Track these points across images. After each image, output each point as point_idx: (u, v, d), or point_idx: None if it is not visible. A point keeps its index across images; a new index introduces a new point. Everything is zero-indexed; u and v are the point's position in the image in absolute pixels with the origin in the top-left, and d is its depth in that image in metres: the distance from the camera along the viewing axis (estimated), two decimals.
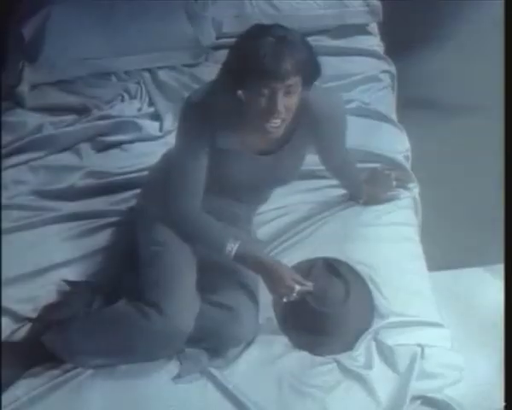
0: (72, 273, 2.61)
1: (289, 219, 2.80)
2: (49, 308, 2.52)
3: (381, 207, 2.81)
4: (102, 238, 2.73)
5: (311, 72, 2.28)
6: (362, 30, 3.51)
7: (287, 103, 2.24)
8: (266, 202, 2.73)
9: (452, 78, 3.88)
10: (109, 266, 2.65)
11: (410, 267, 2.64)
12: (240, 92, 2.29)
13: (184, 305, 2.39)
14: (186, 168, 2.44)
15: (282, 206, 2.83)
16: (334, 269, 2.52)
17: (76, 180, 2.91)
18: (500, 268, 2.35)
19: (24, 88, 3.21)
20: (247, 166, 2.48)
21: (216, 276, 2.53)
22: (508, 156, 2.31)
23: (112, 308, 2.45)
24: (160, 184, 2.56)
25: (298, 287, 2.42)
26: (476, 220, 3.34)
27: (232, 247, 2.43)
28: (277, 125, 2.29)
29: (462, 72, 3.85)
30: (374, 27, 3.54)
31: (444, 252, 3.05)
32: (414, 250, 2.71)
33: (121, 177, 2.92)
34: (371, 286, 2.56)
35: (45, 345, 2.39)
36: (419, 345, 2.38)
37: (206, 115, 2.37)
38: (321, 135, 2.49)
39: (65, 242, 2.71)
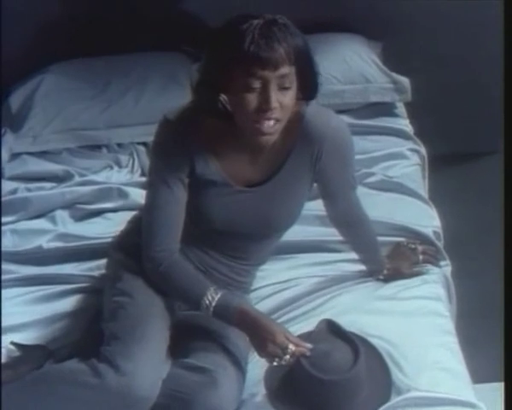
0: (29, 338, 2.24)
1: (292, 294, 2.35)
2: None
3: (404, 282, 2.36)
4: (68, 304, 2.36)
5: (306, 67, 1.91)
6: (388, 111, 3.14)
7: (281, 100, 1.85)
8: (259, 260, 2.27)
9: None
10: (71, 333, 2.26)
11: (437, 342, 2.14)
12: (223, 97, 1.92)
13: (147, 364, 1.92)
14: (157, 201, 2.04)
15: (282, 280, 2.41)
16: (339, 331, 2.02)
17: (44, 242, 2.55)
18: None
19: (4, 156, 2.95)
20: (231, 202, 2.06)
21: (194, 337, 2.08)
22: None
23: (58, 366, 2.01)
24: (133, 230, 2.20)
25: (292, 347, 1.93)
26: None
27: (211, 300, 1.98)
28: (271, 128, 1.88)
29: None
30: (401, 108, 3.17)
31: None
32: (443, 325, 2.22)
33: (97, 241, 2.53)
34: (389, 362, 2.05)
35: None
36: None
37: (183, 135, 1.99)
38: (321, 162, 2.06)
39: (25, 305, 2.37)
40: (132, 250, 2.14)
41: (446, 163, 3.38)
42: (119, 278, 2.12)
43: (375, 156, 2.89)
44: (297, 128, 2.00)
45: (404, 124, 3.10)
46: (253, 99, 1.84)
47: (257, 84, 1.83)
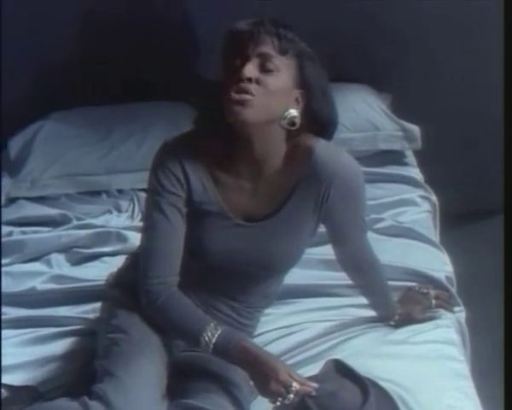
0: (19, 379, 2.12)
1: (299, 338, 2.22)
2: None
3: (415, 326, 2.23)
4: (61, 346, 2.23)
5: (309, 83, 1.87)
6: (397, 159, 3.07)
7: (262, 80, 1.80)
8: (262, 302, 2.14)
9: None
10: (63, 375, 2.14)
11: (452, 386, 2.00)
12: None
13: (141, 401, 1.80)
14: (154, 231, 1.93)
15: (287, 325, 2.28)
16: (347, 371, 1.88)
17: (37, 284, 2.45)
18: None
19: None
20: (229, 235, 1.95)
21: (193, 377, 1.95)
22: None
23: (48, 404, 1.89)
24: (130, 266, 2.10)
25: (296, 385, 1.79)
26: None
27: (210, 336, 1.85)
28: (244, 99, 1.79)
29: None
30: (411, 157, 3.09)
31: None
32: (457, 369, 2.08)
33: (93, 283, 2.42)
34: (401, 406, 1.91)
35: None
36: None
37: (181, 158, 1.92)
38: (329, 202, 1.95)
39: (16, 347, 2.24)
40: (129, 286, 2.02)
41: (458, 212, 3.27)
42: (114, 315, 2.01)
43: (385, 202, 2.80)
44: (306, 162, 1.91)
45: (415, 172, 3.02)
46: (232, 74, 1.80)
47: (238, 62, 1.80)
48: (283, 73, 1.83)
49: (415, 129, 3.04)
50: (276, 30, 1.83)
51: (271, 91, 1.81)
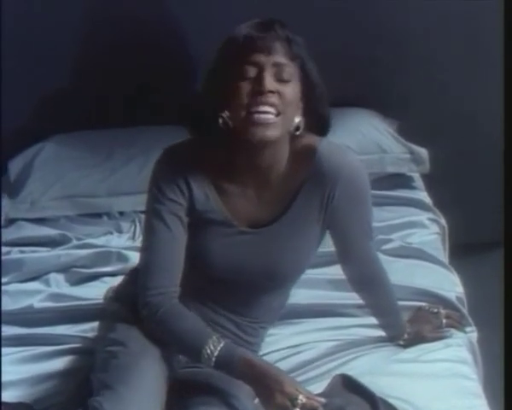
0: (14, 395, 2.05)
1: (306, 357, 2.14)
2: None
3: (425, 345, 2.15)
4: (58, 364, 2.16)
5: (310, 85, 1.83)
6: (405, 183, 3.00)
7: (280, 90, 1.74)
8: (266, 318, 2.05)
9: None
10: (60, 393, 2.06)
11: (464, 405, 1.91)
12: (225, 114, 1.80)
13: None
14: (154, 241, 1.87)
15: (293, 345, 2.20)
16: (356, 386, 1.82)
17: (35, 302, 2.38)
18: None
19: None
20: (232, 244, 1.89)
21: (195, 393, 1.88)
22: None
23: None
24: (130, 281, 2.04)
25: (302, 398, 1.71)
26: None
27: (213, 349, 1.78)
28: (267, 117, 1.74)
29: None
30: (419, 181, 3.03)
31: None
32: (470, 388, 1.99)
33: (92, 302, 2.35)
34: None
35: None
36: None
37: (182, 166, 1.86)
38: (334, 203, 1.88)
39: (12, 364, 2.16)
40: (128, 300, 1.95)
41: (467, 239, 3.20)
42: (112, 329, 1.93)
43: (393, 224, 2.73)
44: (309, 163, 1.85)
45: (423, 196, 2.96)
46: (247, 85, 1.74)
47: (252, 72, 1.74)
48: (295, 81, 1.79)
49: (422, 152, 2.98)
50: (286, 34, 1.78)
51: (289, 102, 1.77)
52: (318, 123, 1.87)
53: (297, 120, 1.82)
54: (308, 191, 1.87)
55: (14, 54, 3.04)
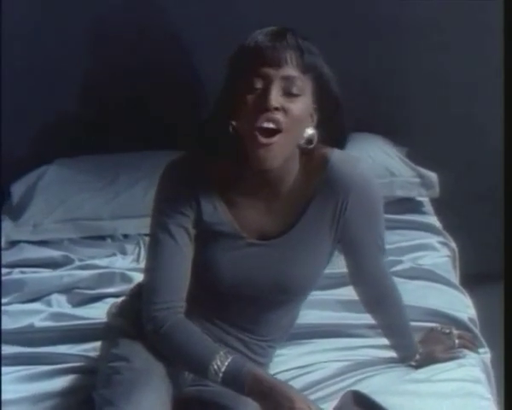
0: None
1: (317, 377, 2.08)
2: None
3: (438, 365, 2.09)
4: (59, 384, 2.10)
5: (327, 97, 1.77)
6: (415, 208, 2.96)
7: (287, 106, 1.68)
8: (274, 336, 1.99)
9: None
10: None
11: None
12: (234, 125, 1.75)
13: None
14: (160, 254, 1.81)
15: (303, 365, 2.14)
16: (368, 403, 1.75)
17: (36, 321, 2.33)
18: None
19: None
20: (241, 257, 1.83)
21: None
22: None
23: None
24: (134, 296, 1.99)
25: None
26: None
27: (220, 365, 1.71)
28: (270, 136, 1.68)
29: None
30: (429, 206, 2.99)
31: None
32: (485, 408, 1.93)
33: (94, 322, 2.29)
34: None
35: None
36: None
37: (189, 176, 1.82)
38: (346, 215, 1.83)
39: (11, 383, 2.10)
40: (132, 316, 1.90)
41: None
42: (115, 345, 1.87)
43: (404, 247, 2.69)
44: (321, 172, 1.80)
45: (433, 220, 2.91)
46: (253, 99, 1.68)
47: (259, 84, 1.68)
48: (306, 94, 1.73)
49: (432, 176, 2.94)
50: (299, 44, 1.72)
51: (296, 118, 1.71)
52: (334, 135, 1.82)
53: (309, 132, 1.77)
54: (320, 202, 1.82)
55: (17, 78, 3.05)
